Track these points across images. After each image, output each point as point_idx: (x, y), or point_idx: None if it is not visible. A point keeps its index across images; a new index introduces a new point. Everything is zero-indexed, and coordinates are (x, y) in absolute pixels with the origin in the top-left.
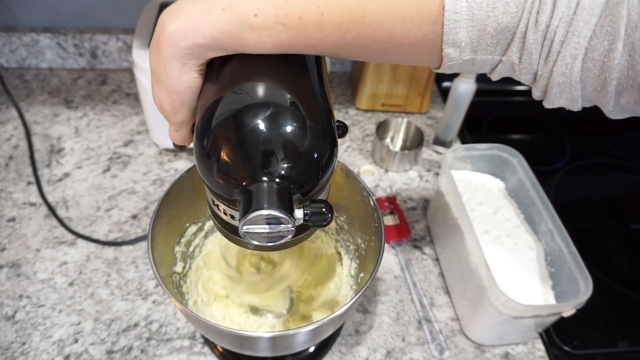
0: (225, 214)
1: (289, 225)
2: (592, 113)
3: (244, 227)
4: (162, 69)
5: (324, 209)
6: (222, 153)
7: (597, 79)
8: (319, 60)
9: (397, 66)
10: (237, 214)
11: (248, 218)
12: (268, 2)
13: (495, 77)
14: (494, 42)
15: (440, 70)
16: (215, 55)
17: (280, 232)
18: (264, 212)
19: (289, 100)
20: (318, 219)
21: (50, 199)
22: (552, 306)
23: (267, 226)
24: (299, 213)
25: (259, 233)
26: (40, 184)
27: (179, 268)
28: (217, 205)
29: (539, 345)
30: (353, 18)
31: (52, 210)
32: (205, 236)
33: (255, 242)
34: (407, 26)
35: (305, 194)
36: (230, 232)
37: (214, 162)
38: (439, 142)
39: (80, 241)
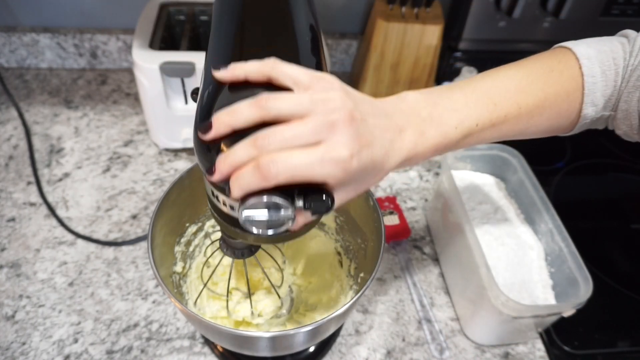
0: (224, 204)
1: (289, 212)
2: None
3: (244, 213)
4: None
5: (324, 196)
6: (221, 143)
7: None
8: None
9: (397, 66)
10: (236, 204)
11: (248, 202)
12: (484, 109)
13: (601, 126)
14: (618, 97)
15: (570, 133)
16: None
17: (280, 219)
18: (264, 196)
19: None
20: (318, 206)
21: (50, 199)
22: (552, 306)
23: (266, 212)
24: (299, 201)
25: (258, 221)
26: (40, 184)
27: (178, 268)
28: (217, 197)
29: (539, 345)
30: (537, 105)
31: (51, 210)
32: (205, 236)
33: (255, 231)
34: (558, 103)
35: None
36: (230, 224)
37: (214, 153)
38: None
39: (80, 241)
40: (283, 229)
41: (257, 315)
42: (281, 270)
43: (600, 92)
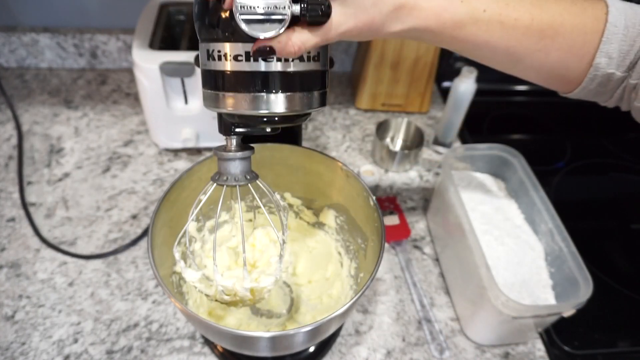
0: (222, 58)
1: (285, 7)
2: (592, 113)
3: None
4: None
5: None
6: None
7: None
8: None
9: (397, 66)
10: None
11: None
12: (494, 2)
13: (611, 104)
14: (633, 60)
15: (573, 95)
16: (423, 39)
17: (275, 14)
18: None
19: None
20: (314, 10)
21: (50, 199)
22: (552, 306)
23: (263, 2)
24: (295, 7)
25: (254, 17)
26: (23, 189)
27: (179, 268)
28: (212, 53)
29: (539, 345)
30: (552, 25)
31: (29, 217)
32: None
33: (247, 29)
34: (573, 35)
35: None
36: (223, 29)
37: None
38: (439, 142)
39: (80, 241)
40: (279, 29)
41: (253, 279)
42: (282, 242)
43: (617, 45)
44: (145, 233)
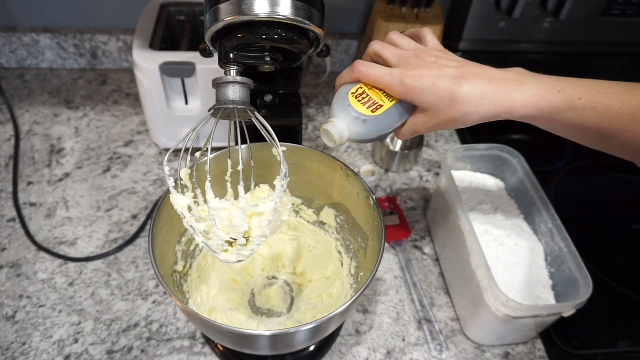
0: None
1: None
2: None
3: None
4: (468, 106)
5: None
6: None
7: None
8: None
9: None
10: None
11: None
12: (587, 90)
13: None
14: None
15: None
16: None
17: None
18: None
19: None
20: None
21: (50, 199)
22: (552, 306)
23: None
24: None
25: None
26: (16, 191)
27: (179, 267)
28: None
29: (539, 345)
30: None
31: (22, 220)
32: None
33: None
34: None
35: None
36: None
37: None
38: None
39: (80, 241)
40: None
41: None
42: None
43: None
44: (145, 233)
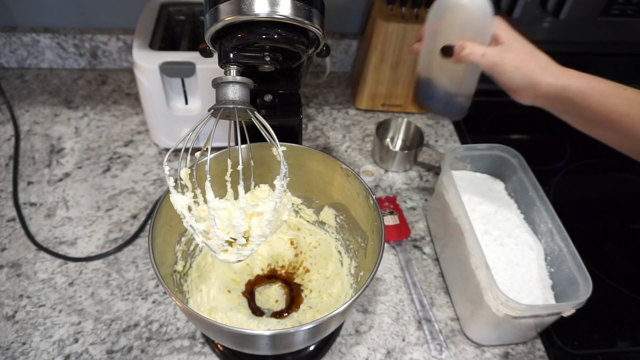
0: None
1: None
2: None
3: None
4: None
5: None
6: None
7: None
8: None
9: (397, 66)
10: None
11: None
12: (631, 88)
13: None
14: None
15: None
16: (569, 105)
17: None
18: None
19: None
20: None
21: (50, 199)
22: (552, 306)
23: None
24: None
25: None
26: (17, 190)
27: (179, 267)
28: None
29: (539, 345)
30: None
31: (22, 221)
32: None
33: None
34: None
35: None
36: None
37: None
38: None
39: (80, 241)
40: None
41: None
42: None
43: None
44: (145, 233)
